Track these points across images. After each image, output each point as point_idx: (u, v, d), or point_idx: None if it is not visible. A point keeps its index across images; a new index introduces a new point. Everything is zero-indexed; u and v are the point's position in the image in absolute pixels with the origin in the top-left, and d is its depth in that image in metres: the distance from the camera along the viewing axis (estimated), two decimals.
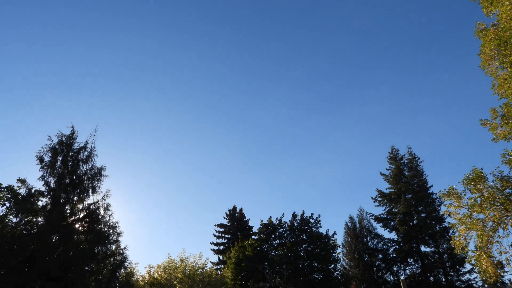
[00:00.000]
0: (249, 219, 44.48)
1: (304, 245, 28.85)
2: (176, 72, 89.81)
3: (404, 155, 37.56)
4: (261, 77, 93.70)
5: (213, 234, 43.86)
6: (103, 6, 77.11)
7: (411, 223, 33.87)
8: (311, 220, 29.94)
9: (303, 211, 30.46)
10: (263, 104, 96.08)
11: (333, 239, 29.13)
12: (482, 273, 14.19)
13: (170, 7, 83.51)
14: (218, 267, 39.35)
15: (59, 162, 16.94)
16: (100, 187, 17.65)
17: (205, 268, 26.04)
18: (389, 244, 35.17)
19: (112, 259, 17.08)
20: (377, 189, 37.23)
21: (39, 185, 16.40)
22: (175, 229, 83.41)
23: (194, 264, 25.66)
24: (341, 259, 34.79)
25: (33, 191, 16.20)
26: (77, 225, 16.58)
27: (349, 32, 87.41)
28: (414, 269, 33.01)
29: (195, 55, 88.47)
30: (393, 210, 35.73)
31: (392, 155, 37.87)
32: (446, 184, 50.68)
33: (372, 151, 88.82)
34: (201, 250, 70.73)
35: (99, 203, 17.38)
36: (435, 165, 74.17)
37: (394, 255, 33.98)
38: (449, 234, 31.43)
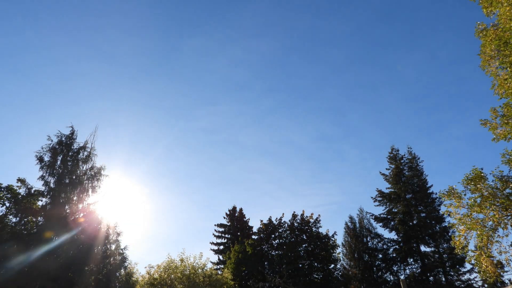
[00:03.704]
0: (249, 219, 44.49)
1: (304, 245, 28.84)
2: (177, 71, 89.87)
3: (404, 155, 37.60)
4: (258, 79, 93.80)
5: (213, 234, 43.89)
6: (103, 6, 77.09)
7: (411, 223, 33.87)
8: (311, 220, 29.94)
9: (303, 211, 30.47)
10: (262, 102, 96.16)
11: (333, 239, 29.13)
12: (482, 272, 14.22)
13: (172, 7, 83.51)
14: (218, 267, 39.35)
15: (58, 162, 16.95)
16: (99, 187, 17.69)
17: (205, 268, 26.02)
18: (389, 244, 35.19)
19: (112, 259, 17.11)
20: (377, 189, 37.26)
21: (38, 185, 16.43)
22: (175, 229, 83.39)
23: (194, 264, 25.65)
24: (341, 259, 34.84)
25: (32, 191, 16.21)
26: (76, 225, 16.58)
27: (349, 30, 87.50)
28: (414, 269, 33.03)
29: (199, 56, 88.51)
30: (393, 210, 35.73)
31: (392, 155, 37.88)
32: (446, 184, 50.71)
33: (372, 151, 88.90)
34: (201, 250, 70.59)
35: (98, 203, 17.41)
36: (435, 165, 74.15)
37: (394, 255, 33.99)
38: (449, 234, 31.45)
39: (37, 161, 16.63)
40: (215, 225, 44.22)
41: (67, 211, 16.42)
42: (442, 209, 16.89)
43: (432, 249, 32.91)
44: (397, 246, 34.33)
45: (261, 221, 30.87)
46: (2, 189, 15.79)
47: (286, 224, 30.16)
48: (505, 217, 13.38)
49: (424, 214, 34.05)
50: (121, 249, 17.84)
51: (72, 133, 17.99)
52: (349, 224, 37.89)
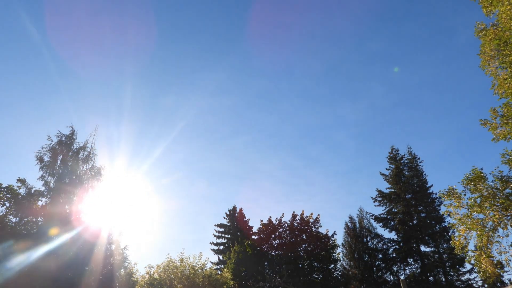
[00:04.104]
0: (249, 219, 44.43)
1: (304, 245, 28.86)
2: (177, 71, 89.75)
3: (404, 155, 37.59)
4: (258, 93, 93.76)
5: (213, 234, 43.92)
6: (103, 6, 77.00)
7: (411, 223, 33.88)
8: (311, 220, 29.96)
9: (303, 211, 30.50)
10: (263, 101, 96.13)
11: (333, 239, 29.16)
12: (482, 273, 14.24)
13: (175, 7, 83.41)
14: (218, 267, 39.38)
15: (58, 162, 16.94)
16: (100, 187, 17.69)
17: (205, 268, 26.06)
18: (389, 244, 35.18)
19: (112, 259, 17.13)
20: (377, 189, 37.21)
21: (38, 185, 16.39)
22: (175, 229, 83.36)
23: (194, 264, 25.68)
24: (341, 259, 34.79)
25: (32, 191, 16.19)
26: (77, 225, 16.59)
27: (349, 30, 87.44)
28: (414, 269, 33.04)
29: (204, 56, 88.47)
30: (393, 210, 35.73)
31: (392, 155, 37.88)
32: (446, 184, 50.69)
33: (372, 151, 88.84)
34: (201, 250, 70.60)
35: (98, 203, 17.42)
36: (435, 165, 73.91)
37: (394, 255, 34.00)
38: (449, 234, 31.46)
39: (37, 161, 16.62)
40: (215, 225, 44.28)
41: (67, 211, 16.42)
42: (442, 209, 16.88)
43: (432, 249, 32.92)
44: (397, 246, 34.33)
45: (261, 221, 30.92)
46: (2, 189, 15.76)
47: (286, 224, 30.18)
48: (505, 217, 13.39)
49: (424, 214, 34.06)
50: (121, 249, 17.90)
51: (72, 133, 17.99)
52: (349, 224, 37.85)
